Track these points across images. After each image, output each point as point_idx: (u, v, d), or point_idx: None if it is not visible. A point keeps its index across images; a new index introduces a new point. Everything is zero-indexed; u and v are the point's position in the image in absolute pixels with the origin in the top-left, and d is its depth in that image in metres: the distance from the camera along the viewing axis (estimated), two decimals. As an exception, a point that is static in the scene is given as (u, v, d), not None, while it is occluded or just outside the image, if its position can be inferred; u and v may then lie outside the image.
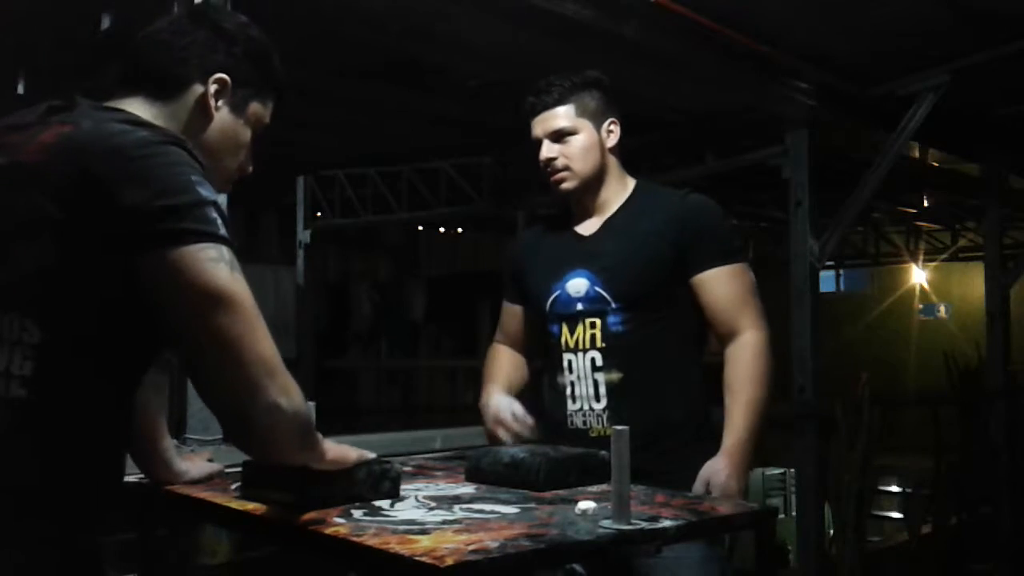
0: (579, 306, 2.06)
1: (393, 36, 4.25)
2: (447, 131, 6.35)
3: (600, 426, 1.98)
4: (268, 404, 1.24)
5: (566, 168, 2.08)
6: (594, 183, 2.11)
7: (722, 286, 2.01)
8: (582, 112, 2.09)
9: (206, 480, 1.75)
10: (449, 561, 1.14)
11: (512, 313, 2.28)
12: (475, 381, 2.36)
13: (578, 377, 2.04)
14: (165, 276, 1.22)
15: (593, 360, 2.03)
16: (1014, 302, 6.54)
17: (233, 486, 1.64)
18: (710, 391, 2.14)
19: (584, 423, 2.05)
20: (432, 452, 2.76)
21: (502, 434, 1.99)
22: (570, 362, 2.06)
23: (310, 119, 6.10)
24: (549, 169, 2.10)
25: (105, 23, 3.48)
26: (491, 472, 1.73)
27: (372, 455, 1.58)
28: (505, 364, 2.27)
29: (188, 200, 1.23)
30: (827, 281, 12.57)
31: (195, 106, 1.43)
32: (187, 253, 1.21)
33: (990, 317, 6.28)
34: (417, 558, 1.17)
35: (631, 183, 2.15)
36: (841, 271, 13.20)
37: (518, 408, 2.01)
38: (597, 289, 2.04)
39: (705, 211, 2.07)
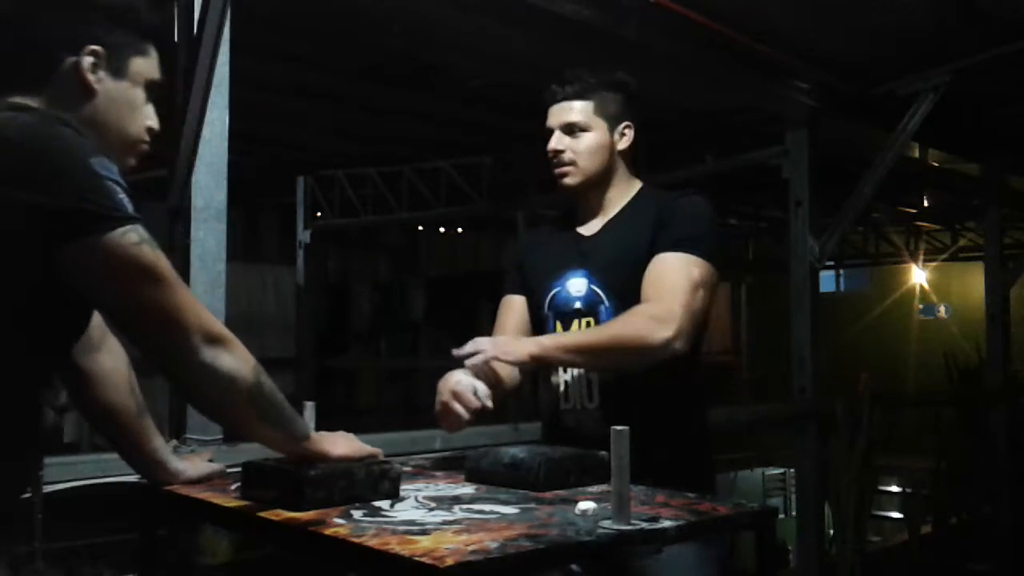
0: (577, 304, 2.05)
1: (393, 36, 4.25)
2: (447, 131, 6.36)
3: (592, 425, 1.97)
4: (204, 366, 1.35)
5: (572, 163, 2.07)
6: (598, 183, 2.09)
7: (659, 267, 1.94)
8: (599, 111, 2.07)
9: (206, 480, 1.75)
10: (449, 562, 1.14)
11: (511, 306, 2.23)
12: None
13: (572, 376, 2.04)
14: (92, 263, 1.28)
15: None
16: (1014, 302, 6.55)
17: (233, 486, 1.64)
18: (709, 392, 2.13)
19: (576, 422, 2.04)
20: (432, 452, 2.76)
21: (457, 407, 1.87)
22: None
23: (310, 119, 6.12)
24: (555, 160, 2.08)
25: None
26: (491, 473, 1.73)
27: (378, 451, 1.62)
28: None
29: (92, 184, 1.26)
30: (827, 281, 12.57)
31: (73, 86, 1.38)
32: (110, 240, 1.27)
33: (990, 317, 6.29)
34: (417, 559, 1.17)
35: (636, 186, 2.14)
36: (841, 271, 13.20)
37: (481, 387, 1.89)
38: (593, 288, 2.04)
39: (685, 204, 2.03)
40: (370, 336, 10.98)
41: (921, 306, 12.93)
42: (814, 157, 4.58)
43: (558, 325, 2.07)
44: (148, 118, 1.48)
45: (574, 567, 1.51)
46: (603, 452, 1.56)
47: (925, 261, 11.49)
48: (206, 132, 2.43)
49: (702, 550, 1.89)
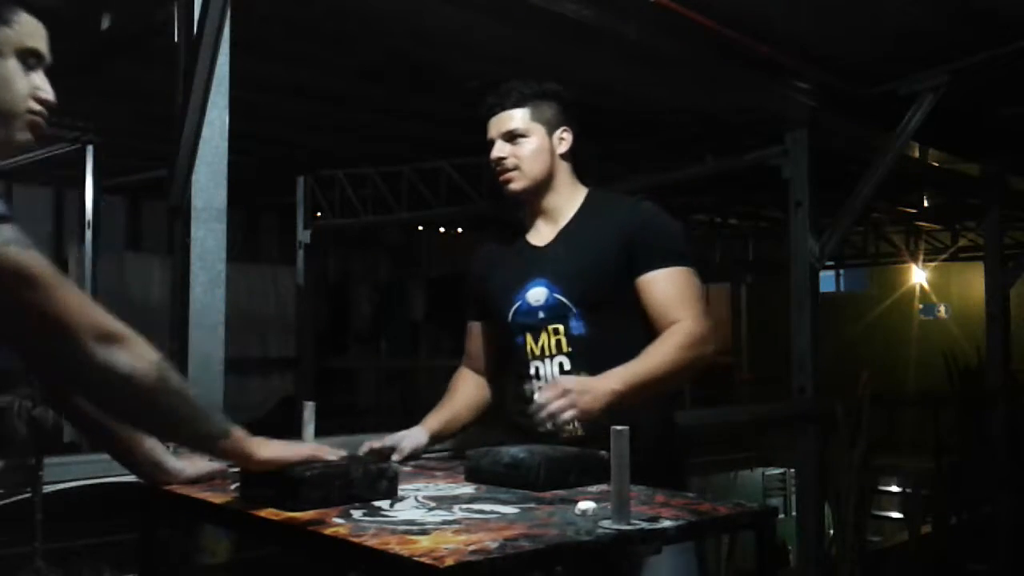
0: (540, 314, 2.07)
1: (393, 36, 4.25)
2: (447, 131, 6.35)
3: (572, 427, 1.96)
4: (96, 366, 1.26)
5: (515, 168, 2.12)
6: (543, 187, 2.14)
7: (662, 286, 2.01)
8: (537, 117, 2.13)
9: (205, 479, 1.75)
10: (449, 561, 1.14)
11: (475, 332, 2.31)
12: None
13: (546, 382, 2.04)
14: None
15: (561, 364, 2.04)
16: (1014, 302, 6.54)
17: (233, 486, 1.64)
18: (681, 394, 2.16)
19: (554, 426, 2.03)
20: (432, 452, 2.75)
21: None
22: (537, 368, 2.08)
23: (310, 119, 6.11)
24: (499, 168, 2.14)
25: (105, 23, 3.48)
26: (491, 472, 1.73)
27: (323, 450, 1.57)
28: (457, 397, 2.26)
29: None
30: (827, 281, 12.57)
31: None
32: None
33: (990, 317, 6.28)
34: (417, 558, 1.17)
35: (582, 191, 2.18)
36: (841, 271, 13.19)
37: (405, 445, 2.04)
38: (556, 296, 2.06)
39: (653, 216, 2.09)
40: (370, 336, 10.97)
41: (921, 306, 12.92)
42: (814, 157, 4.58)
43: (528, 338, 2.10)
44: (31, 87, 1.35)
45: (559, 569, 1.51)
46: (603, 452, 1.56)
47: (925, 261, 11.48)
48: (206, 132, 2.43)
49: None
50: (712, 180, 6.66)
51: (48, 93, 1.39)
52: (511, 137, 2.13)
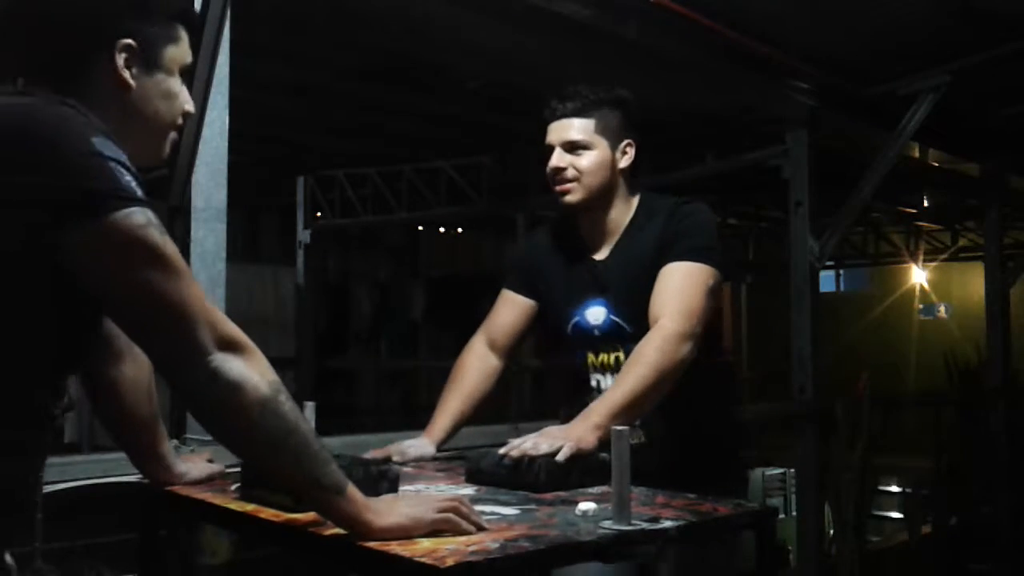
0: (596, 333, 2.07)
1: (393, 36, 4.25)
2: (447, 131, 6.35)
3: (634, 438, 1.96)
4: (206, 366, 1.21)
5: (574, 180, 2.05)
6: (599, 201, 2.08)
7: (665, 279, 1.97)
8: (601, 128, 2.05)
9: (206, 480, 1.75)
10: (450, 562, 1.14)
11: (511, 302, 2.22)
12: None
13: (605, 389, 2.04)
14: (94, 246, 1.18)
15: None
16: (1014, 302, 6.54)
17: (233, 486, 1.64)
18: (736, 392, 2.15)
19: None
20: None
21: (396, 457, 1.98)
22: (599, 381, 2.08)
23: (310, 119, 6.12)
24: (557, 178, 2.07)
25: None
26: (491, 474, 1.73)
27: (450, 511, 1.32)
28: (463, 390, 2.20)
29: (94, 164, 1.18)
30: (827, 281, 12.56)
31: (107, 82, 1.31)
32: (113, 220, 1.17)
33: (990, 317, 6.28)
34: (418, 559, 1.17)
35: (635, 201, 2.13)
36: (841, 271, 13.19)
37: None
38: (613, 318, 2.05)
39: (688, 216, 2.04)
40: (370, 336, 10.97)
41: (921, 306, 12.92)
42: (814, 157, 4.57)
43: (588, 353, 2.10)
44: (184, 102, 1.41)
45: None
46: (604, 454, 1.56)
47: (925, 261, 11.48)
48: (206, 132, 2.43)
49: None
50: (712, 180, 6.66)
51: (192, 108, 1.43)
52: (572, 147, 2.05)
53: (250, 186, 7.26)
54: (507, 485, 1.68)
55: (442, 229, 10.25)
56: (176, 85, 1.39)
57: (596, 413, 1.82)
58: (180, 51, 1.39)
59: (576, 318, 2.09)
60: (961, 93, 4.44)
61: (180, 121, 1.42)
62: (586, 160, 2.04)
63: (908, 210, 9.69)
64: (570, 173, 2.05)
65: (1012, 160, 6.25)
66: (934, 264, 11.62)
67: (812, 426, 4.54)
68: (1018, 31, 3.91)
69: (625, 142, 2.08)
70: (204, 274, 2.45)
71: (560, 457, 1.70)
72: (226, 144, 2.50)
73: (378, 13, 3.89)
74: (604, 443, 1.70)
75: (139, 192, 1.21)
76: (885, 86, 4.48)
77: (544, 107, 2.11)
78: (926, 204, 9.57)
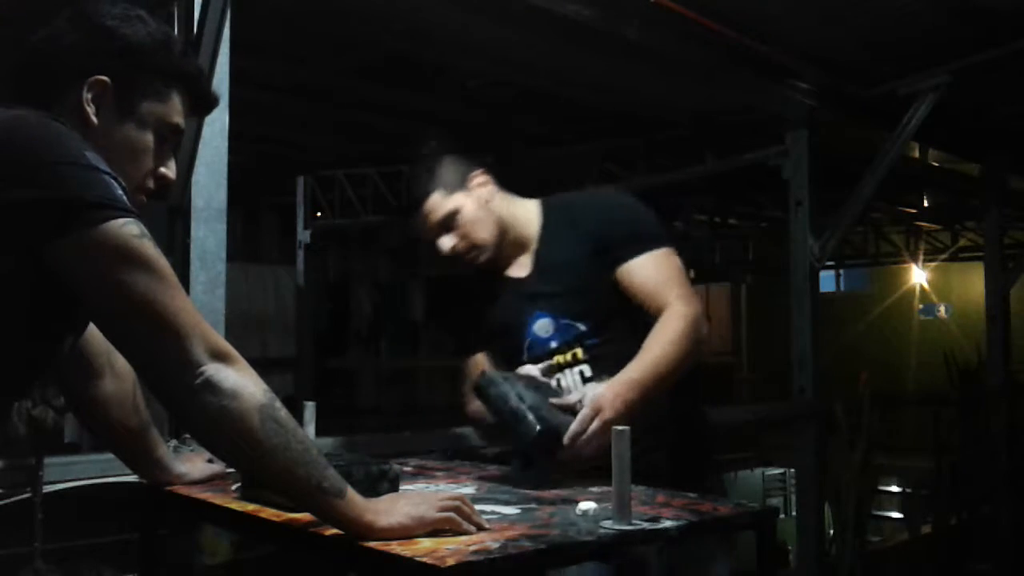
0: (554, 343, 2.04)
1: (393, 36, 4.25)
2: (447, 131, 6.35)
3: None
4: (202, 377, 1.21)
5: (470, 248, 2.05)
6: (500, 237, 2.07)
7: (645, 271, 1.98)
8: (448, 189, 2.04)
9: (206, 480, 1.75)
10: (450, 562, 1.14)
11: (478, 362, 2.19)
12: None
13: (569, 392, 2.00)
14: (88, 255, 1.18)
15: (581, 372, 2.02)
16: (1014, 302, 6.54)
17: (233, 486, 1.64)
18: (702, 387, 2.15)
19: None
20: (432, 452, 2.76)
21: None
22: (559, 380, 2.05)
23: (310, 119, 6.11)
24: (456, 258, 2.07)
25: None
26: (494, 407, 1.75)
27: (453, 512, 1.30)
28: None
29: (88, 176, 1.19)
30: (827, 281, 12.57)
31: (74, 114, 1.30)
32: (108, 230, 1.18)
33: (990, 317, 6.28)
34: (418, 559, 1.17)
35: (535, 208, 2.12)
36: (841, 271, 13.20)
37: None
38: (563, 321, 2.03)
39: (618, 206, 2.06)
40: (370, 336, 10.96)
41: (921, 306, 12.93)
42: (814, 157, 4.57)
43: (555, 372, 2.05)
44: (157, 163, 1.38)
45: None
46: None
47: (925, 261, 11.49)
48: (206, 132, 2.43)
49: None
50: (712, 180, 6.66)
51: (170, 173, 1.40)
52: (444, 225, 2.04)
53: (250, 186, 7.26)
54: (500, 423, 1.74)
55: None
56: (147, 141, 1.36)
57: (628, 384, 1.81)
58: (163, 109, 1.37)
59: (528, 339, 2.06)
60: (961, 93, 4.44)
61: (151, 184, 1.38)
62: (462, 226, 2.03)
63: (908, 210, 9.69)
64: (461, 247, 2.05)
65: (1012, 160, 6.25)
66: (934, 264, 11.62)
67: (812, 426, 4.54)
68: (1018, 31, 3.90)
69: (471, 180, 2.06)
70: (204, 274, 2.45)
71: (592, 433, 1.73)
72: (226, 144, 2.50)
73: (378, 13, 3.89)
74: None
75: (130, 206, 1.22)
76: (885, 86, 4.48)
77: (401, 213, 2.12)
78: (926, 204, 9.57)
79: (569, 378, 2.03)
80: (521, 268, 2.11)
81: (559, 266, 2.04)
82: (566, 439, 1.74)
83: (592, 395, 1.80)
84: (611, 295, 2.00)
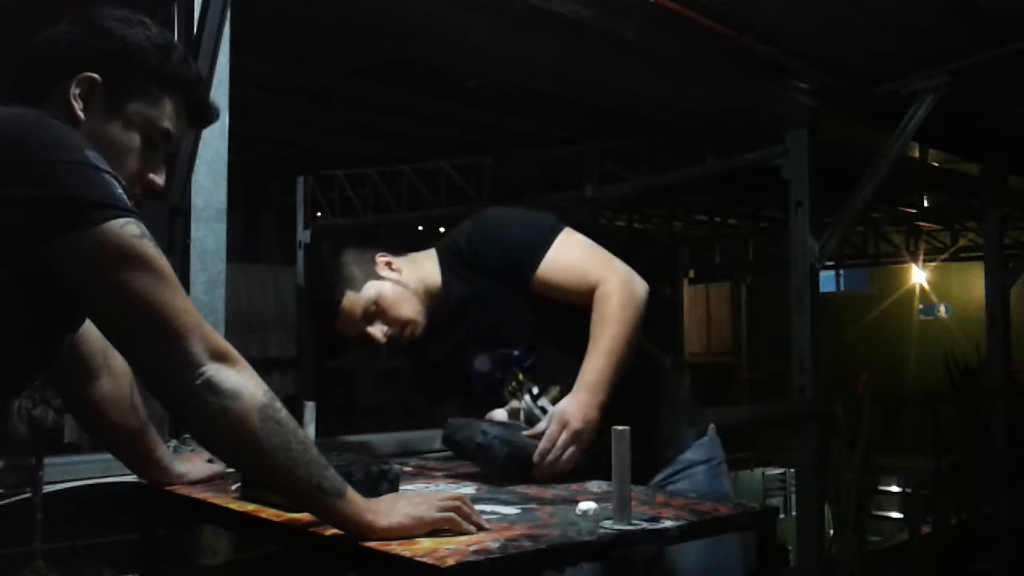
0: (498, 374, 2.03)
1: (393, 36, 4.25)
2: (447, 131, 6.36)
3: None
4: (203, 376, 1.20)
5: (403, 328, 2.02)
6: (427, 302, 2.04)
7: (556, 266, 1.92)
8: (357, 285, 2.01)
9: (206, 480, 1.75)
10: (451, 562, 1.14)
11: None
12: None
13: (524, 411, 2.00)
14: (89, 254, 1.18)
15: (531, 391, 1.99)
16: (1014, 302, 6.55)
17: (233, 486, 1.64)
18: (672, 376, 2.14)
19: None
20: (432, 452, 2.76)
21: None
22: (519, 411, 2.01)
23: (310, 119, 6.12)
24: (395, 341, 2.04)
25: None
26: (463, 447, 1.77)
27: (453, 512, 1.30)
28: None
29: (89, 175, 1.19)
30: (827, 281, 12.56)
31: (60, 111, 1.29)
32: (110, 229, 1.18)
33: (990, 317, 6.28)
34: (419, 559, 1.16)
35: (429, 262, 2.09)
36: (841, 271, 13.19)
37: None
38: (499, 351, 2.01)
39: (480, 228, 2.02)
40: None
41: (921, 306, 12.92)
42: (814, 157, 4.58)
43: (511, 398, 2.03)
44: (145, 167, 1.37)
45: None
46: None
47: (925, 261, 11.48)
48: (206, 132, 2.43)
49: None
50: (712, 180, 6.66)
51: (158, 180, 1.39)
52: (368, 320, 2.00)
53: (250, 186, 7.26)
54: (473, 460, 1.76)
55: (442, 229, 10.25)
56: (132, 142, 1.35)
57: (590, 388, 1.80)
58: (152, 112, 1.36)
59: (477, 380, 2.05)
60: (961, 93, 4.44)
61: (136, 189, 1.36)
62: (389, 313, 2.00)
63: (908, 210, 9.69)
64: (394, 332, 2.02)
65: (1012, 160, 6.26)
66: (934, 264, 11.62)
67: (812, 426, 4.54)
68: (1018, 31, 3.91)
69: (377, 262, 2.04)
70: (204, 274, 2.45)
71: (566, 461, 1.74)
72: (226, 144, 2.50)
73: (378, 13, 3.89)
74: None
75: (131, 205, 1.22)
76: (885, 86, 4.48)
77: (320, 324, 2.08)
78: (926, 204, 9.58)
79: (525, 403, 2.00)
80: (441, 318, 2.07)
81: (466, 305, 2.01)
82: (536, 456, 1.74)
83: (556, 411, 1.80)
84: (528, 311, 1.96)
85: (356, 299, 2.00)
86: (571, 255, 1.94)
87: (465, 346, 2.05)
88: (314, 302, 2.10)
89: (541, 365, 1.98)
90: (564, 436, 1.75)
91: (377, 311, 2.00)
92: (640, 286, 1.91)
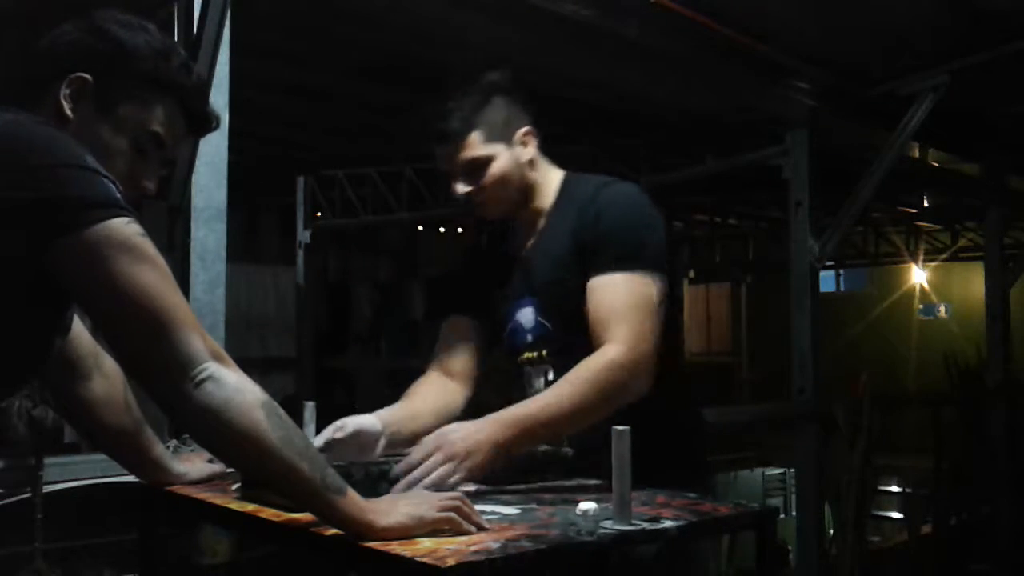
0: (529, 338, 1.92)
1: (393, 36, 4.25)
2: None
3: (564, 450, 1.84)
4: (202, 372, 1.20)
5: (485, 201, 1.89)
6: (517, 203, 1.92)
7: (604, 293, 1.75)
8: (490, 136, 1.85)
9: (206, 480, 1.75)
10: (451, 562, 1.14)
11: (460, 328, 2.02)
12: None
13: (533, 389, 1.91)
14: (90, 252, 1.18)
15: (547, 374, 1.91)
16: (1014, 302, 6.54)
17: (233, 486, 1.64)
18: (696, 392, 2.08)
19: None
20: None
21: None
22: (529, 373, 1.95)
23: (310, 119, 6.11)
24: (467, 203, 1.91)
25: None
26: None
27: (476, 514, 1.31)
28: (416, 399, 2.00)
29: (86, 177, 1.19)
30: (827, 281, 12.56)
31: (52, 110, 1.30)
32: (111, 227, 1.19)
33: (990, 317, 6.28)
34: (419, 559, 1.16)
35: (556, 182, 1.94)
36: (841, 271, 13.19)
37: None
38: (539, 319, 1.91)
39: (613, 208, 1.81)
40: (370, 336, 10.96)
41: (921, 306, 12.92)
42: (814, 157, 4.58)
43: (519, 355, 1.95)
44: (134, 172, 1.36)
45: None
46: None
47: (925, 261, 11.48)
48: (206, 132, 2.43)
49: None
50: (712, 180, 6.66)
51: (149, 185, 1.39)
52: (469, 169, 1.86)
53: (250, 186, 7.25)
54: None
55: (442, 229, 10.25)
56: (120, 144, 1.34)
57: (501, 425, 1.64)
58: (143, 115, 1.35)
59: (509, 323, 1.94)
60: (961, 93, 4.44)
61: (127, 193, 1.34)
62: (488, 176, 1.85)
63: (908, 210, 9.69)
64: (478, 196, 1.88)
65: (1012, 160, 6.26)
66: (934, 264, 11.62)
67: (812, 426, 4.54)
68: (1018, 31, 3.90)
69: (520, 133, 1.88)
70: (204, 274, 2.45)
71: (451, 484, 1.54)
72: (226, 144, 2.50)
73: (378, 13, 3.89)
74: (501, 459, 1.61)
75: (124, 201, 1.23)
76: (885, 86, 4.48)
77: (427, 130, 1.93)
78: (926, 204, 9.57)
79: (535, 377, 1.92)
80: (523, 241, 1.95)
81: (549, 255, 1.89)
82: (401, 466, 1.56)
83: (440, 431, 1.64)
84: (583, 300, 1.81)
85: (477, 145, 1.85)
86: (624, 295, 1.75)
87: (520, 284, 1.92)
88: (434, 117, 1.89)
89: (572, 352, 1.79)
90: (435, 457, 1.57)
91: (483, 173, 1.85)
92: (640, 381, 1.71)
